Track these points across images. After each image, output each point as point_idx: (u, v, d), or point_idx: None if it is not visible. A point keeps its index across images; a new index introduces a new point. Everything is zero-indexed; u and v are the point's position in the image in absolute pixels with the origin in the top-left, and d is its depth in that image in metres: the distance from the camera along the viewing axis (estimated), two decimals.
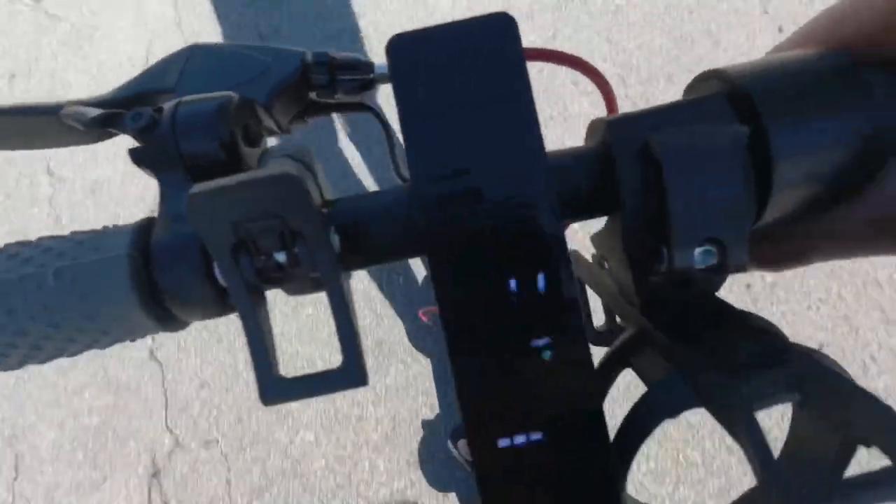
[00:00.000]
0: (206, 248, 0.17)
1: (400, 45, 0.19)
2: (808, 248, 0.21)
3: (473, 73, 0.18)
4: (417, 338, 1.25)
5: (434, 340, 1.23)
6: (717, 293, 0.22)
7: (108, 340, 0.21)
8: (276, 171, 0.16)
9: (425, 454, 1.19)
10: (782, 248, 0.22)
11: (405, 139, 0.18)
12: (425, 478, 1.18)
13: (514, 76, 0.18)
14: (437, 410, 1.21)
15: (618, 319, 0.27)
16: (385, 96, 0.28)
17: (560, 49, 0.28)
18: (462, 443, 1.14)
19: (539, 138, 0.18)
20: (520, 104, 0.18)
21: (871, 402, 0.15)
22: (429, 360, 1.23)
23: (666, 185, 0.18)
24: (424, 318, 1.16)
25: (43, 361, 0.21)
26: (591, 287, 0.27)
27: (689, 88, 0.23)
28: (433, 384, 1.22)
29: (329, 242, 0.17)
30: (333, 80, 0.26)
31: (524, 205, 0.18)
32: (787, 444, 0.19)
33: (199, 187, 0.16)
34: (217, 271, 0.18)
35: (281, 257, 0.18)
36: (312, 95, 0.27)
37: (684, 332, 0.20)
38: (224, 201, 0.16)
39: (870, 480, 0.14)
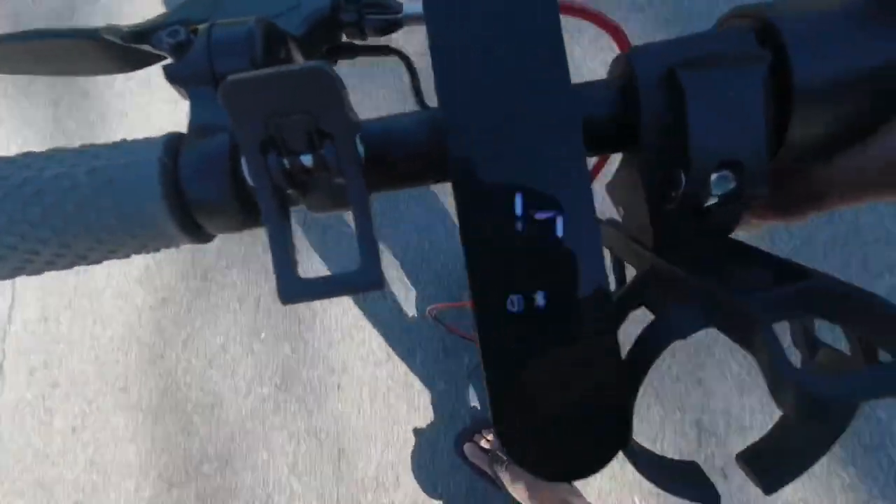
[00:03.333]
0: (237, 142, 0.18)
1: None
2: (824, 192, 0.21)
3: (504, 7, 0.19)
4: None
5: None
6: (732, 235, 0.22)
7: (135, 245, 0.21)
8: (311, 64, 0.16)
9: (419, 459, 1.17)
10: (797, 191, 0.22)
11: (434, 65, 0.19)
12: (419, 483, 1.16)
13: (545, 11, 0.19)
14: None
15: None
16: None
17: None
18: (468, 446, 1.12)
19: (566, 73, 0.19)
20: (547, 38, 0.19)
21: (887, 306, 0.15)
22: None
23: (687, 108, 0.18)
24: (430, 316, 1.15)
25: (68, 266, 0.21)
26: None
27: (720, 24, 0.23)
28: None
29: (356, 145, 0.18)
30: (361, 18, 0.26)
31: (548, 126, 0.18)
32: (802, 362, 0.19)
33: (234, 77, 0.17)
34: (245, 169, 0.19)
35: (307, 160, 0.18)
36: (343, 37, 0.28)
37: (699, 266, 0.20)
38: (257, 90, 0.17)
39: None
